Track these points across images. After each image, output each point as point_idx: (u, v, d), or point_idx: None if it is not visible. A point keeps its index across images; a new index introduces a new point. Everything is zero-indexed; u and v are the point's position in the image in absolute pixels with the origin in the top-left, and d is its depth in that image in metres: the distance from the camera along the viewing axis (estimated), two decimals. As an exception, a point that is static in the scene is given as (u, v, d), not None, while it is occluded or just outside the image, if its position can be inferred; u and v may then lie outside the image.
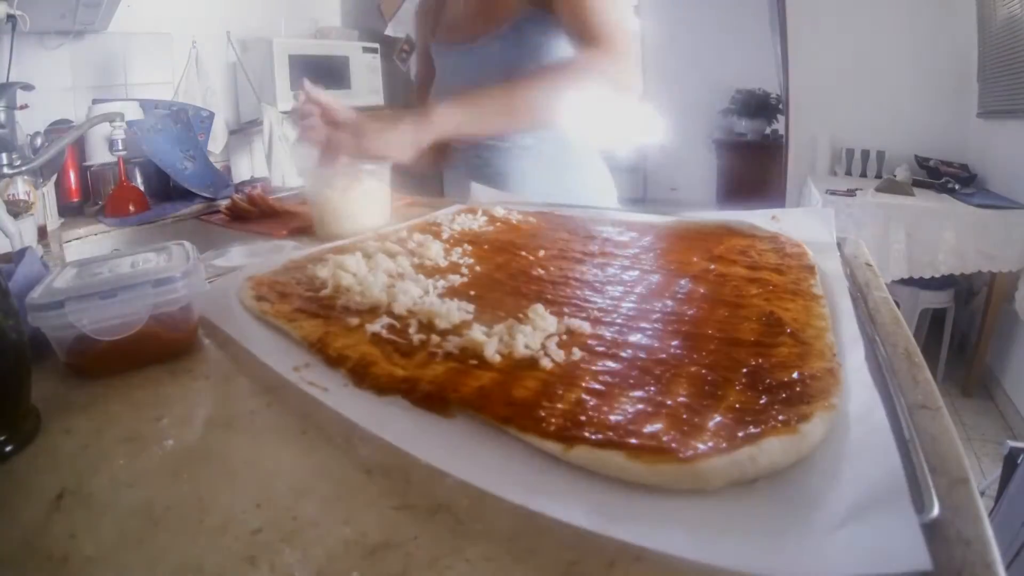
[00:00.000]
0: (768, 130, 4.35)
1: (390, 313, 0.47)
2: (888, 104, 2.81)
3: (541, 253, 0.63)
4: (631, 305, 0.48)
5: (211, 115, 1.61)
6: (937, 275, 2.21)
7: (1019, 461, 1.17)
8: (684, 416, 0.32)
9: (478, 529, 0.27)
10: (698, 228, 0.70)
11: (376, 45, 2.34)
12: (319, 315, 0.49)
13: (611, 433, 0.30)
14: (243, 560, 0.26)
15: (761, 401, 0.33)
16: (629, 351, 0.40)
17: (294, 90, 2.00)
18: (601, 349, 0.40)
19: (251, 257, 0.70)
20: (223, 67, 2.05)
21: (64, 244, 1.14)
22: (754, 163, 4.16)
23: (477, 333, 0.42)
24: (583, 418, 0.32)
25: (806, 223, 0.67)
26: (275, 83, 1.99)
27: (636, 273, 0.56)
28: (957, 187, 2.40)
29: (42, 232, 1.08)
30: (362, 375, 0.39)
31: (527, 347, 0.40)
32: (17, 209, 0.98)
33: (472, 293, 0.52)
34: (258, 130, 2.01)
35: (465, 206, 0.88)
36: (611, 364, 0.38)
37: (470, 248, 0.66)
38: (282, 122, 1.97)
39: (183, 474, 0.32)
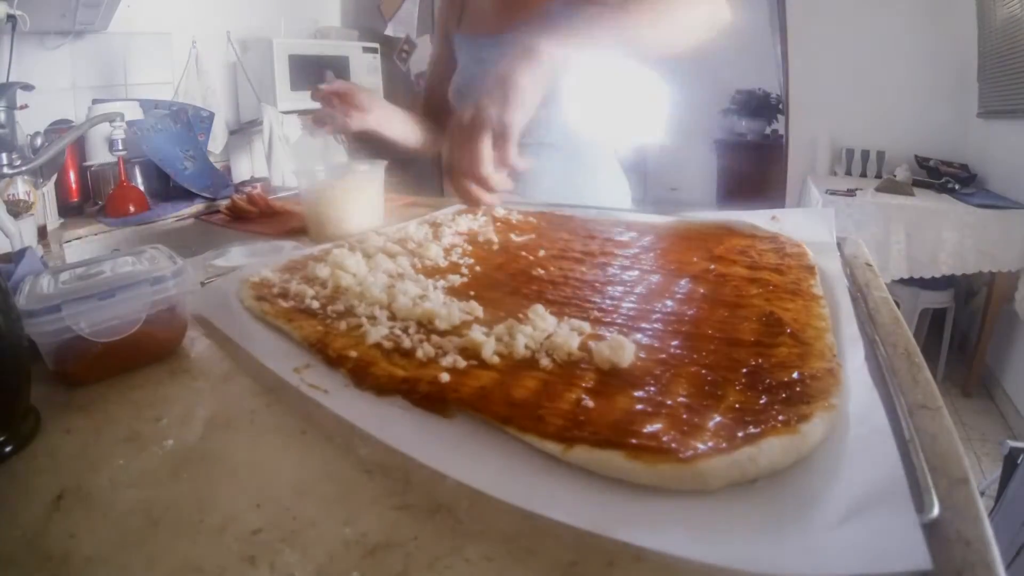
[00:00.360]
0: (768, 130, 4.35)
1: (390, 313, 0.48)
2: (888, 104, 2.81)
3: (541, 253, 0.63)
4: (631, 305, 0.48)
5: (211, 115, 1.61)
6: (937, 275, 2.21)
7: (1019, 461, 1.17)
8: (684, 416, 0.32)
9: (478, 529, 0.27)
10: (698, 228, 0.70)
11: (376, 45, 2.34)
12: (319, 315, 0.49)
13: (611, 433, 0.30)
14: (243, 560, 0.26)
15: (761, 401, 0.33)
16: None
17: (294, 90, 2.00)
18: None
19: (251, 257, 0.70)
20: (223, 67, 2.05)
21: (64, 244, 1.14)
22: (754, 163, 4.16)
23: (477, 333, 0.42)
24: (583, 418, 0.32)
25: (806, 223, 0.67)
26: (275, 83, 1.99)
27: (636, 273, 0.56)
28: (957, 187, 2.40)
29: (42, 232, 1.08)
30: (362, 375, 0.39)
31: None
32: (17, 209, 0.98)
33: (472, 293, 0.52)
34: (258, 130, 2.01)
35: (465, 206, 0.88)
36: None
37: (470, 248, 0.66)
38: (282, 122, 1.97)
39: (183, 474, 0.32)
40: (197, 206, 1.29)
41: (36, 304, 0.40)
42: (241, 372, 0.43)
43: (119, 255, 0.49)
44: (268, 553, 0.26)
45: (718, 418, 0.32)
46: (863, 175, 2.83)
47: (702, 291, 0.51)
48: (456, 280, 0.55)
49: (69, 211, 1.32)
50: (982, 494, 0.76)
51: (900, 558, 0.23)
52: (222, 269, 0.66)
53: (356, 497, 0.30)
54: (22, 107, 1.04)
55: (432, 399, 0.36)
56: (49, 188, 1.18)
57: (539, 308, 0.45)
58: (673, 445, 0.29)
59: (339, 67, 2.19)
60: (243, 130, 2.08)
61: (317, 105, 0.86)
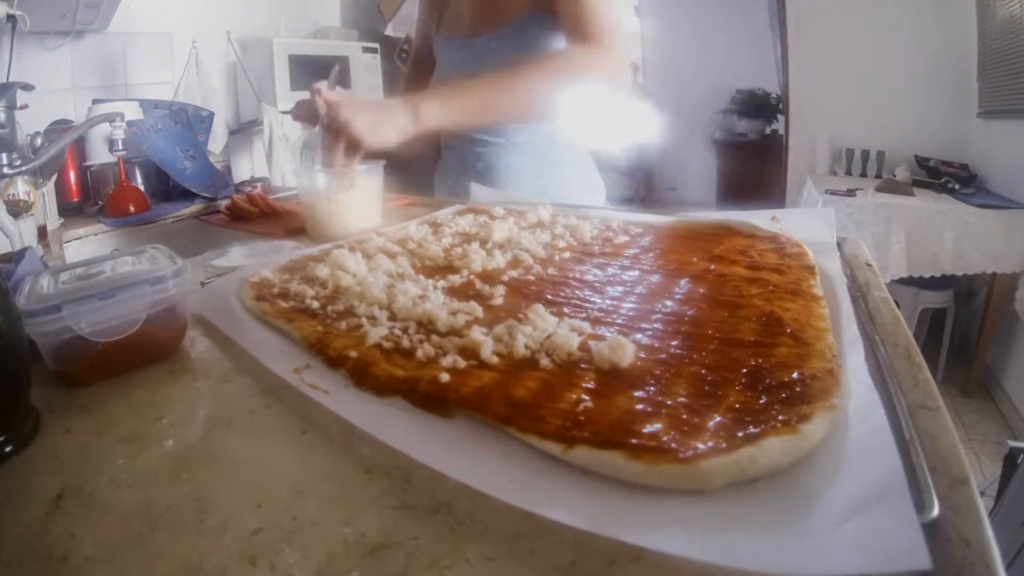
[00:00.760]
0: (768, 130, 4.35)
1: (390, 314, 0.48)
2: (888, 104, 2.81)
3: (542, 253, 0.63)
4: (631, 305, 0.48)
5: (211, 115, 1.61)
6: (937, 275, 2.21)
7: (1019, 461, 1.17)
8: (684, 416, 0.32)
9: (478, 529, 0.27)
10: (698, 228, 0.70)
11: (376, 45, 2.34)
12: (319, 315, 0.49)
13: (611, 433, 0.30)
14: (243, 560, 0.26)
15: (761, 401, 0.33)
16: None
17: (294, 90, 2.00)
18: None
19: (251, 257, 0.70)
20: (223, 67, 2.05)
21: (64, 244, 1.14)
22: (754, 163, 4.16)
23: (476, 333, 0.42)
24: (583, 418, 0.32)
25: (806, 223, 0.67)
26: (275, 83, 1.99)
27: (636, 273, 0.56)
28: (957, 187, 2.40)
29: (42, 232, 1.08)
30: (362, 376, 0.39)
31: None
32: (17, 209, 0.98)
33: (472, 293, 0.52)
34: (258, 130, 2.01)
35: (465, 206, 0.89)
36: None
37: (470, 248, 0.66)
38: (282, 122, 1.97)
39: (183, 474, 0.32)
40: (197, 206, 1.29)
41: (36, 304, 0.39)
42: (241, 372, 0.43)
43: (119, 255, 0.49)
44: (268, 553, 0.26)
45: (718, 418, 0.32)
46: (863, 175, 2.83)
47: (702, 291, 0.51)
48: (456, 280, 0.55)
49: (69, 211, 1.32)
50: (982, 494, 0.75)
51: (900, 558, 0.23)
52: (222, 269, 0.66)
53: (356, 497, 0.30)
54: (22, 107, 1.04)
55: (432, 399, 0.36)
56: (49, 188, 1.18)
57: (539, 308, 0.45)
58: (673, 445, 0.29)
59: (339, 67, 2.19)
60: (243, 130, 2.08)
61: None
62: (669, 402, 0.33)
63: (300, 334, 0.45)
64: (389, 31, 2.57)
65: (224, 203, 1.13)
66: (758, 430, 0.30)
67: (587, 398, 0.34)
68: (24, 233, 0.96)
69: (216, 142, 1.80)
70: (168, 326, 0.45)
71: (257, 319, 0.50)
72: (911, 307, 2.33)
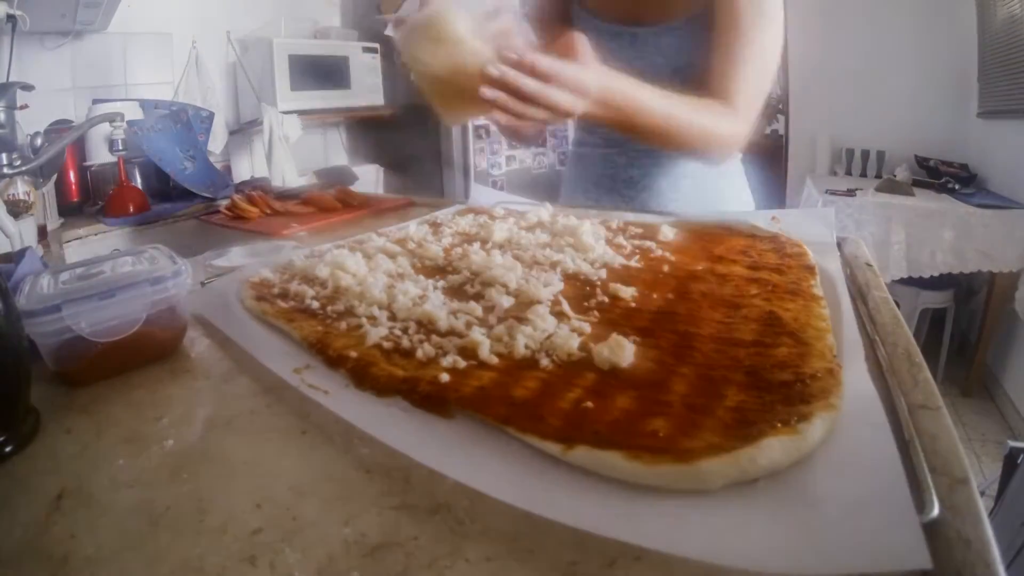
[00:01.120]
0: (768, 130, 4.35)
1: (390, 314, 0.48)
2: (888, 104, 2.81)
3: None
4: (631, 305, 0.48)
5: (211, 115, 1.61)
6: (937, 275, 2.21)
7: (1019, 461, 1.17)
8: (684, 416, 0.32)
9: (478, 529, 0.27)
10: (698, 228, 0.70)
11: (376, 45, 2.34)
12: (319, 315, 0.49)
13: (611, 433, 0.30)
14: (243, 560, 0.26)
15: (761, 401, 0.33)
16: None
17: (294, 90, 2.00)
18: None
19: (251, 257, 0.70)
20: (223, 67, 2.05)
21: (64, 244, 1.14)
22: (753, 163, 4.16)
23: (476, 334, 0.42)
24: (583, 418, 0.32)
25: (806, 223, 0.67)
26: (275, 83, 1.99)
27: (636, 273, 0.56)
28: (957, 187, 2.40)
29: (42, 232, 1.08)
30: (362, 376, 0.39)
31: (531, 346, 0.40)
32: (17, 209, 0.98)
33: (472, 293, 0.52)
34: (258, 130, 2.01)
35: (465, 206, 0.89)
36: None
37: (470, 248, 0.66)
38: (282, 122, 1.97)
39: (183, 474, 0.32)
40: (197, 206, 1.29)
41: (36, 304, 0.39)
42: (241, 372, 0.43)
43: (119, 255, 0.49)
44: (268, 553, 0.26)
45: (718, 418, 0.32)
46: (863, 175, 2.83)
47: (702, 291, 0.51)
48: (456, 280, 0.55)
49: (69, 211, 1.32)
50: (982, 494, 0.75)
51: (900, 557, 0.23)
52: (222, 269, 0.66)
53: (356, 497, 0.30)
54: (22, 107, 1.04)
55: (432, 399, 0.36)
56: (49, 188, 1.18)
57: (539, 308, 0.45)
58: (673, 445, 0.29)
59: (339, 67, 2.19)
60: (243, 130, 2.08)
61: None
62: (669, 402, 0.33)
63: (300, 334, 0.45)
64: (389, 31, 2.57)
65: (224, 203, 1.13)
66: (758, 430, 0.30)
67: (587, 398, 0.34)
68: (24, 233, 0.96)
69: (216, 142, 1.80)
70: (168, 326, 0.45)
71: (257, 319, 0.50)
72: (911, 307, 2.33)
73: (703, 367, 0.38)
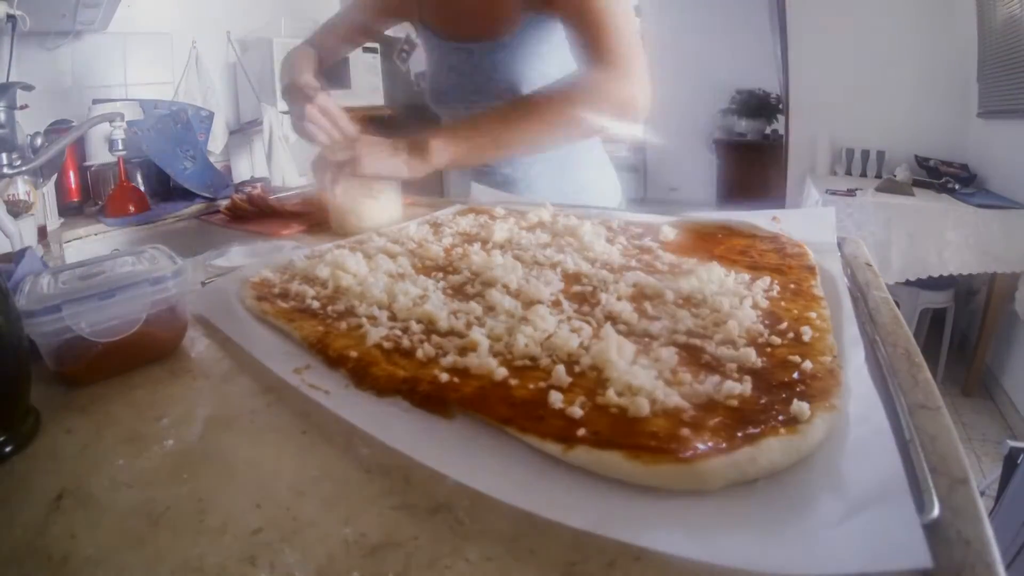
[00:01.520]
0: (768, 130, 4.35)
1: (390, 313, 0.48)
2: (888, 104, 2.81)
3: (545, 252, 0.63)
4: (631, 305, 0.48)
5: (211, 115, 1.61)
6: (937, 275, 2.21)
7: (1019, 461, 1.17)
8: (684, 416, 0.32)
9: (478, 529, 0.27)
10: (698, 228, 0.70)
11: (376, 45, 2.34)
12: (319, 315, 0.49)
13: (611, 433, 0.30)
14: (243, 560, 0.26)
15: (761, 401, 0.33)
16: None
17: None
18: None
19: (251, 257, 0.70)
20: (223, 67, 2.05)
21: (64, 244, 1.14)
22: (754, 163, 4.16)
23: (476, 334, 0.42)
24: (583, 418, 0.32)
25: (806, 223, 0.67)
26: (275, 83, 1.98)
27: (636, 273, 0.56)
28: (957, 187, 2.39)
29: (42, 232, 1.08)
30: (362, 376, 0.39)
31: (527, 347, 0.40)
32: (17, 209, 0.98)
33: (472, 292, 0.52)
34: (258, 130, 2.02)
35: (465, 206, 0.89)
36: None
37: (471, 248, 0.66)
38: (282, 122, 1.97)
39: (183, 474, 0.32)
40: (197, 206, 1.29)
41: (36, 304, 0.39)
42: (241, 372, 0.43)
43: (119, 255, 0.49)
44: (268, 553, 0.26)
45: (718, 418, 0.32)
46: (863, 175, 2.83)
47: (703, 291, 0.51)
48: (456, 280, 0.55)
49: (69, 211, 1.32)
50: (982, 494, 0.75)
51: (900, 557, 0.23)
52: (222, 269, 0.66)
53: (356, 497, 0.30)
54: (22, 107, 1.04)
55: (432, 399, 0.36)
56: (49, 188, 1.18)
57: (539, 308, 0.45)
58: (673, 445, 0.29)
59: (339, 67, 2.19)
60: (243, 130, 2.08)
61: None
62: (669, 402, 0.33)
63: (300, 334, 0.45)
64: (389, 31, 2.57)
65: (224, 203, 1.13)
66: (758, 430, 0.30)
67: (587, 398, 0.34)
68: (24, 233, 0.96)
69: (216, 142, 1.80)
70: (168, 326, 0.45)
71: (257, 319, 0.50)
72: (911, 307, 2.33)
73: (703, 367, 0.38)
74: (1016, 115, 2.18)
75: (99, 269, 0.46)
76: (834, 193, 2.41)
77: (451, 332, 0.44)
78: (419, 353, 0.41)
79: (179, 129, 1.41)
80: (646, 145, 4.81)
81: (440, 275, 0.57)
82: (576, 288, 0.53)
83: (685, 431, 0.30)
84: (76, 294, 0.41)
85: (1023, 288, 2.07)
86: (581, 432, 0.30)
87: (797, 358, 0.37)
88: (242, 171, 2.07)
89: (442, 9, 0.97)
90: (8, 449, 0.34)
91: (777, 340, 0.40)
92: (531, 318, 0.43)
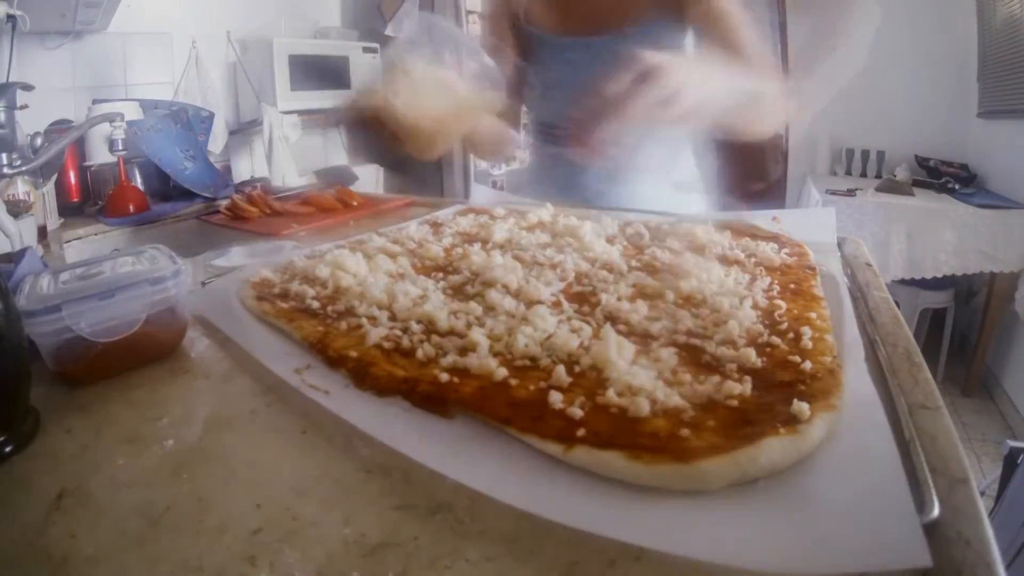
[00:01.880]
0: (768, 130, 4.35)
1: (390, 314, 0.47)
2: (888, 104, 2.80)
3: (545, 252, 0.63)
4: (632, 305, 0.48)
5: (211, 115, 1.61)
6: (937, 275, 2.21)
7: (1019, 461, 1.17)
8: (684, 416, 0.32)
9: (478, 529, 0.27)
10: (698, 228, 0.70)
11: (376, 45, 2.34)
12: (319, 315, 0.49)
13: (611, 433, 0.30)
14: (243, 560, 0.26)
15: (761, 401, 0.33)
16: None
17: (294, 90, 2.00)
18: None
19: (251, 257, 0.70)
20: (223, 67, 2.05)
21: (64, 244, 1.14)
22: (754, 163, 4.16)
23: (476, 334, 0.42)
24: (583, 418, 0.32)
25: (807, 224, 0.67)
26: (275, 83, 1.99)
27: (636, 273, 0.56)
28: (957, 187, 2.39)
29: (42, 232, 1.08)
30: (362, 376, 0.39)
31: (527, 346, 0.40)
32: (17, 209, 0.98)
33: (472, 293, 0.52)
34: (258, 130, 2.01)
35: (465, 206, 0.89)
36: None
37: (471, 248, 0.66)
38: (282, 122, 1.97)
39: (183, 474, 0.32)
40: (197, 206, 1.29)
41: (36, 304, 0.39)
42: (241, 372, 0.43)
43: (119, 255, 0.49)
44: (268, 553, 0.26)
45: (718, 418, 0.32)
46: (863, 175, 2.83)
47: (703, 291, 0.51)
48: (456, 280, 0.55)
49: (69, 211, 1.31)
50: (982, 494, 0.75)
51: (900, 557, 0.23)
52: (222, 269, 0.66)
53: (356, 497, 0.30)
54: (22, 107, 1.04)
55: (432, 399, 0.36)
56: (49, 188, 1.18)
57: (539, 308, 0.45)
58: (673, 445, 0.29)
59: (339, 67, 2.19)
60: (243, 130, 2.07)
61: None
62: (669, 402, 0.33)
63: (300, 334, 0.45)
64: (389, 31, 2.57)
65: (224, 203, 1.13)
66: (758, 430, 0.30)
67: (587, 398, 0.34)
68: (24, 233, 0.95)
69: (216, 142, 1.80)
70: (168, 326, 0.45)
71: (257, 319, 0.50)
72: (911, 307, 2.32)
73: (703, 367, 0.38)
74: (1016, 115, 2.18)
75: (99, 269, 0.46)
76: (834, 193, 2.41)
77: (451, 332, 0.44)
78: (419, 353, 0.41)
79: (179, 129, 1.42)
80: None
81: (440, 275, 0.57)
82: (576, 288, 0.53)
83: (685, 431, 0.30)
84: (76, 294, 0.41)
85: (1023, 288, 2.07)
86: (581, 432, 0.31)
87: (797, 358, 0.37)
88: (242, 171, 2.06)
89: (548, 3, 0.93)
90: (8, 449, 0.34)
91: (777, 340, 0.40)
92: (531, 318, 0.43)
